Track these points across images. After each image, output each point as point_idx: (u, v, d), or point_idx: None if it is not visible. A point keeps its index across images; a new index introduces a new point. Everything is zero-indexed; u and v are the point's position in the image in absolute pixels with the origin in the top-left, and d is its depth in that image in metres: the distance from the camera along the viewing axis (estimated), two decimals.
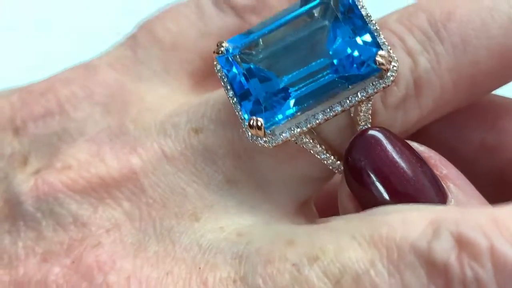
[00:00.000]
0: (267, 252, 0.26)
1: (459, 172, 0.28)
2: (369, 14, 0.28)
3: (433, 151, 0.28)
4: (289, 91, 0.27)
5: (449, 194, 0.27)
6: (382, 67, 0.27)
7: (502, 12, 0.28)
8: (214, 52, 0.28)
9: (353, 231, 0.26)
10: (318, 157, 0.28)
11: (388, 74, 0.27)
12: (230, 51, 0.28)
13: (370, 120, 0.28)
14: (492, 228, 0.24)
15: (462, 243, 0.24)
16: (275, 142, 0.27)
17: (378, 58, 0.27)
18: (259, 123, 0.27)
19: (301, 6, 0.28)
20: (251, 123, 0.27)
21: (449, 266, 0.24)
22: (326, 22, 0.28)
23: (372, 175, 0.27)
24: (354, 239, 0.25)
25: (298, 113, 0.27)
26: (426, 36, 0.28)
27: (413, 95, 0.28)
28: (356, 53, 0.27)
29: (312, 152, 0.28)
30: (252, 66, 0.28)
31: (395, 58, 0.27)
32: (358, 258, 0.25)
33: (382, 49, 0.27)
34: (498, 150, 0.31)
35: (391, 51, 0.27)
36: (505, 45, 0.28)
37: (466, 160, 0.32)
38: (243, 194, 0.29)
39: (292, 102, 0.27)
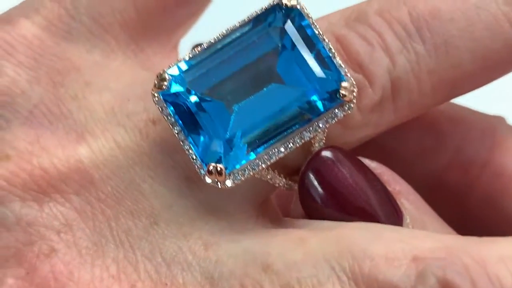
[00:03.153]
0: (241, 276, 0.25)
1: (411, 188, 0.28)
2: (321, 33, 0.26)
3: (384, 167, 0.28)
4: (249, 132, 0.26)
5: (403, 211, 0.28)
6: (346, 98, 0.26)
7: (490, 12, 0.27)
8: (155, 86, 0.26)
9: (331, 259, 0.25)
10: (271, 182, 0.27)
11: (350, 103, 0.26)
12: (173, 83, 0.26)
13: (324, 140, 0.27)
14: (480, 274, 0.24)
15: None
16: (234, 183, 0.26)
17: (342, 91, 0.26)
18: (218, 169, 0.26)
19: (250, 26, 0.26)
20: (210, 169, 0.26)
21: None
22: (278, 44, 0.26)
23: (329, 196, 0.27)
24: (333, 271, 0.25)
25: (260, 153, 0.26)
26: (406, 33, 0.27)
27: (390, 97, 0.27)
28: (316, 84, 0.26)
29: (264, 178, 0.27)
30: (198, 97, 0.26)
31: (354, 83, 0.26)
32: None
33: (344, 80, 0.26)
34: (436, 153, 0.32)
35: (351, 78, 0.26)
36: (489, 49, 0.27)
37: (404, 162, 0.32)
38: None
39: (253, 146, 0.26)
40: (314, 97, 0.26)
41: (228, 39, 0.26)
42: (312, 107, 0.26)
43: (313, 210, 0.27)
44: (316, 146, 0.27)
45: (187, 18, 0.31)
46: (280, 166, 0.27)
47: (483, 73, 0.28)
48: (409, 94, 0.27)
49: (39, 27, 0.29)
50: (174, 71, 0.26)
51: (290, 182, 0.28)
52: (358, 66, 0.27)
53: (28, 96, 0.28)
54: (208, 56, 0.26)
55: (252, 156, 0.26)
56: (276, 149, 0.26)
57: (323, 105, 0.26)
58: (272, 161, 0.26)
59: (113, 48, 0.29)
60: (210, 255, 0.26)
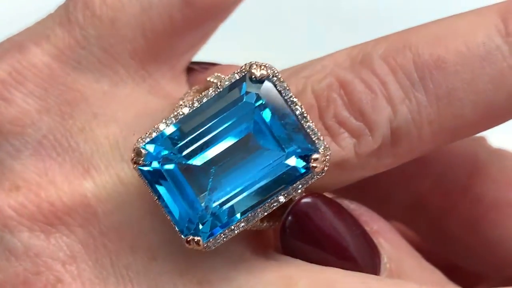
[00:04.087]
0: None
1: (389, 226, 0.30)
2: (293, 98, 0.26)
3: (363, 207, 0.29)
4: (228, 198, 0.26)
5: (381, 250, 0.29)
6: (317, 169, 0.26)
7: (495, 65, 0.27)
8: (133, 161, 0.26)
9: None
10: (254, 228, 0.28)
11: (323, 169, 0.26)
12: (149, 156, 0.26)
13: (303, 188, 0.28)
14: None
15: None
16: (215, 245, 0.27)
17: (313, 163, 0.26)
18: (196, 240, 0.26)
19: (225, 92, 0.26)
20: (188, 240, 0.26)
21: None
22: (253, 111, 0.26)
23: (310, 242, 0.28)
24: None
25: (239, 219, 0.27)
26: (410, 82, 0.27)
27: (389, 144, 0.27)
28: (291, 150, 0.26)
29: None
30: (175, 164, 0.26)
31: (328, 149, 0.26)
32: None
33: (316, 152, 0.26)
34: (418, 178, 0.33)
35: (323, 144, 0.26)
36: (491, 100, 0.27)
37: (387, 186, 0.33)
38: None
39: (232, 211, 0.27)
40: (290, 163, 0.26)
41: (203, 107, 0.26)
42: (287, 172, 0.26)
43: (293, 254, 0.28)
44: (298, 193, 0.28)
45: (196, 42, 0.31)
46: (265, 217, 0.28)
47: (484, 121, 0.28)
48: (409, 142, 0.27)
49: (49, 55, 0.29)
50: (151, 141, 0.26)
51: (270, 223, 0.29)
52: (359, 113, 0.27)
53: (38, 126, 0.28)
54: (183, 124, 0.26)
55: (232, 221, 0.26)
56: (255, 213, 0.27)
57: (299, 170, 0.26)
58: (250, 224, 0.27)
59: (122, 76, 0.29)
60: None
